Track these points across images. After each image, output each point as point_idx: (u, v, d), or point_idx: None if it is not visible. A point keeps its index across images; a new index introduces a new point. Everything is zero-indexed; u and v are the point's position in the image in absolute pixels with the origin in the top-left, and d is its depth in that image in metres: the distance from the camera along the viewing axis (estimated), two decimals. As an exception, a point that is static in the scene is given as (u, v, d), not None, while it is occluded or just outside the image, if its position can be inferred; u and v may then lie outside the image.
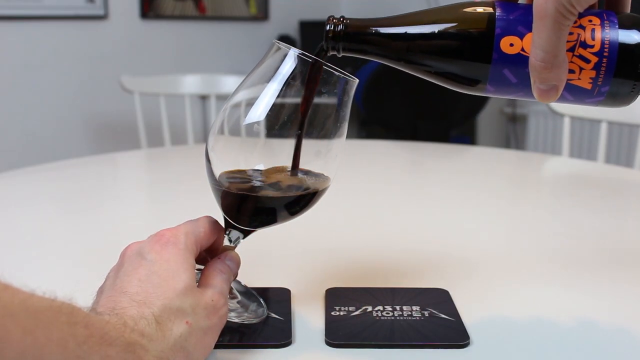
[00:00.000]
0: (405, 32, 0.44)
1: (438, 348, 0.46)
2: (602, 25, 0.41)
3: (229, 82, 1.83)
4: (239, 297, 0.51)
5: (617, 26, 0.41)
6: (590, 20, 0.41)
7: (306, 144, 0.47)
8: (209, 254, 0.49)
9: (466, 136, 2.90)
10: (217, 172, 0.47)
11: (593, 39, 0.41)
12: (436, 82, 0.46)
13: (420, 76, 0.46)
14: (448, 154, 1.35)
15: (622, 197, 0.97)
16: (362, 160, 1.24)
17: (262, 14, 3.10)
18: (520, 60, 0.41)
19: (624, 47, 0.41)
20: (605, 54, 0.41)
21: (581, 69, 0.41)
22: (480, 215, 0.84)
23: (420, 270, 0.62)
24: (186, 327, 0.40)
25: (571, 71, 0.41)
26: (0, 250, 0.69)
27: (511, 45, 0.41)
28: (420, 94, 2.49)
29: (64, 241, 0.73)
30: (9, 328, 0.30)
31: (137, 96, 1.86)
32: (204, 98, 2.15)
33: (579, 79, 0.42)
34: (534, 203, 0.94)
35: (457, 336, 0.47)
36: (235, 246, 0.50)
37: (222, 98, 1.80)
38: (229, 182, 0.47)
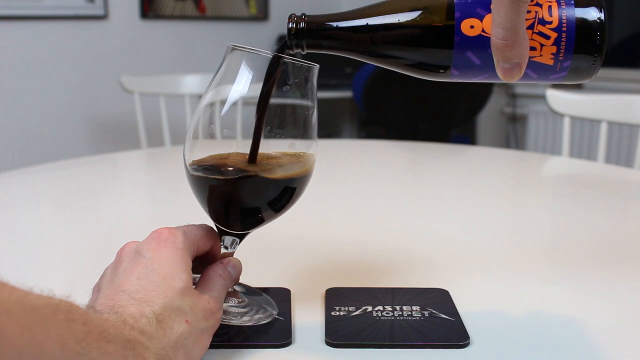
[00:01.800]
0: (367, 24, 0.44)
1: (438, 348, 0.46)
2: (558, 2, 0.42)
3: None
4: (246, 300, 0.51)
5: (572, 2, 0.42)
6: None
7: (280, 141, 0.48)
8: (207, 262, 0.49)
9: (466, 136, 2.90)
10: (197, 174, 0.47)
11: (551, 16, 0.42)
12: (402, 72, 0.46)
13: (386, 66, 0.46)
14: (448, 154, 1.35)
15: (622, 197, 0.97)
16: (362, 160, 1.24)
17: (262, 14, 3.10)
18: (482, 42, 0.42)
19: (581, 22, 0.42)
20: (564, 29, 0.42)
21: (542, 45, 0.42)
22: (480, 215, 0.84)
23: (420, 270, 0.62)
24: (186, 326, 0.40)
25: (532, 48, 0.42)
26: (0, 250, 0.69)
27: (472, 27, 0.42)
28: (420, 94, 2.49)
29: (63, 241, 0.73)
30: (7, 325, 0.30)
31: (137, 96, 1.87)
32: (204, 98, 2.15)
33: (541, 55, 0.42)
34: (534, 203, 0.94)
35: (457, 336, 0.47)
36: (234, 252, 0.50)
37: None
38: (208, 177, 0.47)
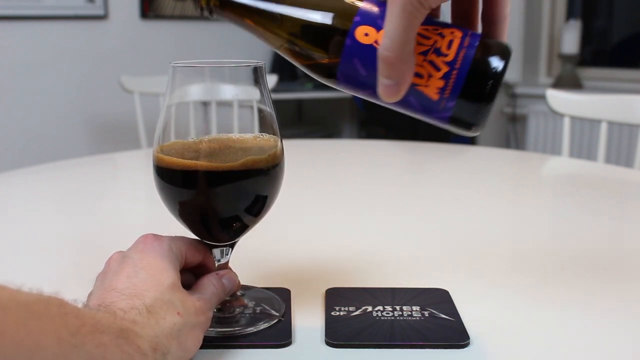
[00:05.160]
0: (271, 6, 0.43)
1: (438, 348, 0.46)
2: (462, 39, 0.40)
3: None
4: (249, 305, 0.50)
5: (476, 44, 0.40)
6: (452, 32, 0.40)
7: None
8: (200, 277, 0.49)
9: (466, 136, 2.89)
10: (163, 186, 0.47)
11: (449, 49, 0.40)
12: (295, 63, 0.44)
13: (280, 53, 0.44)
14: (448, 154, 1.35)
15: (622, 197, 0.97)
16: (362, 160, 1.25)
17: (262, 14, 3.10)
18: (371, 52, 0.40)
19: (477, 65, 0.40)
20: (457, 66, 0.39)
21: (430, 75, 0.40)
22: (480, 215, 0.84)
23: (420, 270, 0.62)
24: (179, 317, 0.41)
25: (419, 75, 0.40)
26: (0, 250, 0.69)
27: (366, 35, 0.40)
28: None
29: (63, 241, 0.73)
30: (3, 322, 0.30)
31: (137, 96, 1.87)
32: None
33: (427, 86, 0.40)
34: (534, 203, 0.94)
35: (457, 336, 0.47)
36: (227, 262, 0.50)
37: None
38: (177, 189, 0.47)
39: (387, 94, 0.40)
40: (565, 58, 2.83)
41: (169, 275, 0.43)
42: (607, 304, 0.54)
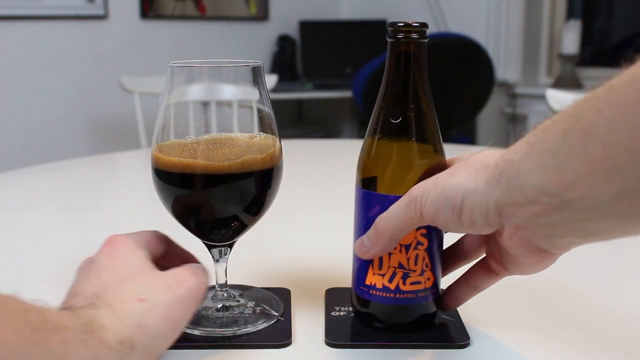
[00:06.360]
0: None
1: (438, 348, 0.46)
2: (423, 291, 0.46)
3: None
4: (248, 304, 0.50)
5: (425, 300, 0.46)
6: (428, 278, 0.45)
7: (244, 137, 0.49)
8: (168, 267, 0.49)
9: (466, 136, 2.90)
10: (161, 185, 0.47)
11: (411, 284, 0.45)
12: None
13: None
14: (448, 154, 1.35)
15: (622, 197, 0.96)
16: (362, 160, 1.24)
17: (262, 14, 3.10)
18: (387, 205, 0.43)
19: (403, 313, 0.46)
20: (398, 295, 0.45)
21: (382, 275, 0.45)
22: (480, 215, 0.84)
23: (420, 270, 0.62)
24: (140, 303, 0.40)
25: (380, 266, 0.45)
26: (0, 250, 0.69)
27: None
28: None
29: (63, 241, 0.73)
30: None
31: (137, 96, 1.87)
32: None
33: (373, 274, 0.46)
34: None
35: (457, 336, 0.47)
36: (225, 264, 0.50)
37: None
38: (174, 188, 0.47)
39: (358, 247, 0.45)
40: (565, 58, 2.83)
41: (132, 264, 0.43)
42: (607, 304, 0.54)
